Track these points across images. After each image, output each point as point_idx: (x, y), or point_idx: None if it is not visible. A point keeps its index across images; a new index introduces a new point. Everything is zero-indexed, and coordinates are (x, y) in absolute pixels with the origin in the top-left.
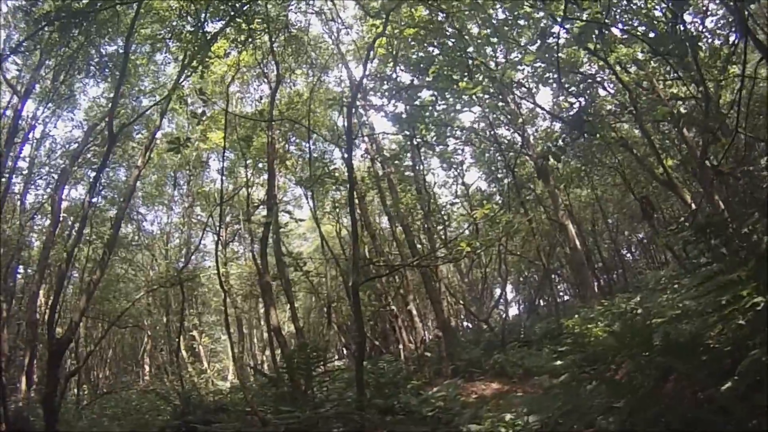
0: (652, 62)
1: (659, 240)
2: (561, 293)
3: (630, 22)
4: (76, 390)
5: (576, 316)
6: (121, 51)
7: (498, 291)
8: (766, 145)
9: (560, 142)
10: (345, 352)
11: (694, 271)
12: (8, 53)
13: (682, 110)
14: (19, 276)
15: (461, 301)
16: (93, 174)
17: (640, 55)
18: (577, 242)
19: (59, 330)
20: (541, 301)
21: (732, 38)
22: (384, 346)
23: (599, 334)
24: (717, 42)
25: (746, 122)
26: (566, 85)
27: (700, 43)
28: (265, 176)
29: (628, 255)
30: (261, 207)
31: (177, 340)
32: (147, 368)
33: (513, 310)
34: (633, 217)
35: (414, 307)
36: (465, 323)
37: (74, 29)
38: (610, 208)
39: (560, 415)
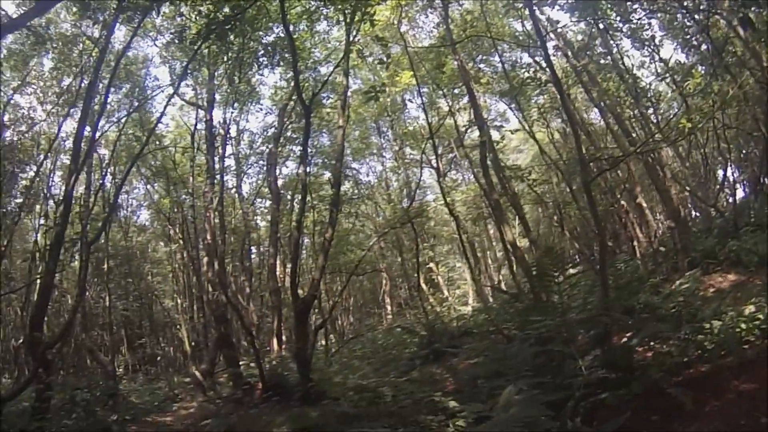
0: None
1: None
2: None
3: None
4: (324, 341)
5: None
6: (282, 36)
7: (721, 172)
8: None
9: None
10: (578, 258)
11: None
12: (179, 78)
13: None
14: (253, 255)
15: (688, 188)
16: (299, 149)
17: None
18: None
19: (301, 291)
20: (766, 180)
21: None
22: (617, 246)
23: None
24: None
25: None
26: None
27: None
28: (465, 100)
29: None
30: (470, 130)
31: (416, 275)
32: (388, 308)
33: (739, 192)
34: None
35: (643, 200)
36: (693, 212)
37: (229, 34)
38: None
39: None
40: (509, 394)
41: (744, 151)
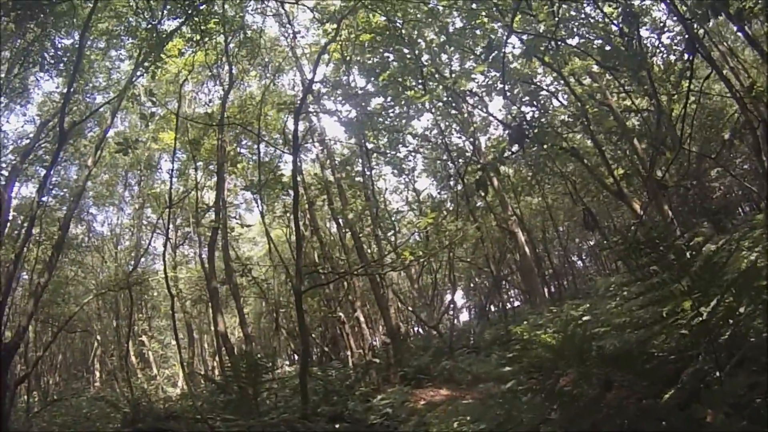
0: (606, 75)
1: (604, 250)
2: (511, 299)
3: (586, 36)
4: (26, 397)
5: (525, 322)
6: (76, 45)
7: (448, 297)
8: (715, 161)
9: (506, 152)
10: (296, 357)
11: (642, 279)
12: None
13: (635, 122)
14: None
15: (410, 308)
16: (44, 172)
17: (594, 68)
18: (527, 249)
19: (8, 334)
20: (491, 308)
21: (687, 55)
22: (334, 353)
23: (547, 341)
24: (672, 57)
25: (698, 135)
26: (519, 96)
27: (655, 58)
28: (216, 179)
29: (579, 262)
30: (211, 210)
31: (126, 345)
32: (97, 374)
33: (464, 317)
34: (583, 225)
35: (362, 313)
36: (416, 329)
37: (30, 21)
38: (561, 216)
39: (499, 424)
40: None
41: (476, 281)
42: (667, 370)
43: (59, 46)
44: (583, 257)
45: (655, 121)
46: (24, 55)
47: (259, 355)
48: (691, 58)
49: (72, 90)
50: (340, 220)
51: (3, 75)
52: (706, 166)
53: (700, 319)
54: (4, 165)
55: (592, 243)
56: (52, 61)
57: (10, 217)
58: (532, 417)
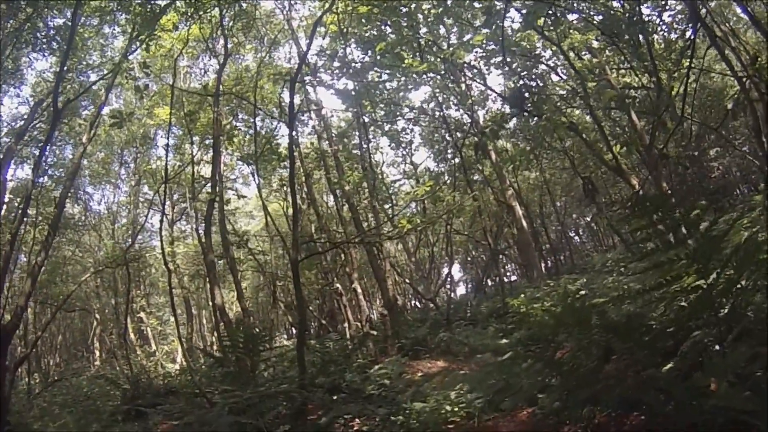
0: (606, 51)
1: (602, 220)
2: (508, 273)
3: (587, 10)
4: (26, 378)
5: (522, 295)
6: (69, 23)
7: (445, 270)
8: (717, 131)
9: (505, 118)
10: (293, 331)
11: (639, 255)
12: None
13: (635, 96)
14: None
15: (407, 280)
16: (38, 152)
17: (594, 43)
18: (524, 223)
19: (6, 317)
20: (488, 281)
21: (689, 33)
22: (331, 326)
23: (543, 314)
24: (673, 36)
25: (698, 114)
26: (517, 69)
27: (656, 36)
28: (212, 153)
29: (576, 237)
30: (207, 185)
31: (124, 322)
32: (97, 353)
33: (461, 290)
34: (581, 200)
35: (359, 285)
36: (413, 302)
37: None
38: (558, 191)
39: (498, 392)
40: None
41: (473, 254)
42: (666, 342)
43: (51, 25)
44: (580, 233)
45: (656, 96)
46: (16, 36)
47: (256, 329)
48: (693, 35)
49: (65, 68)
50: (338, 192)
51: None
52: (705, 145)
53: (700, 291)
54: None
55: (589, 219)
56: (45, 41)
57: (6, 200)
58: (531, 384)
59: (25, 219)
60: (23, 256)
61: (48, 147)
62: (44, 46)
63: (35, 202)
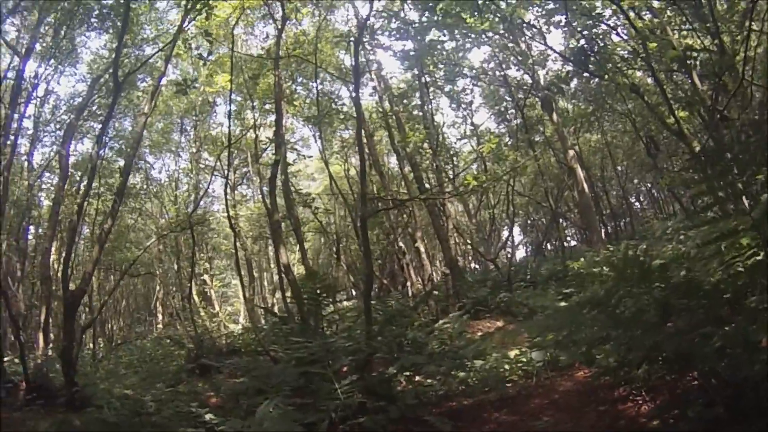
0: (668, 11)
1: (662, 182)
2: (568, 237)
3: None
4: (92, 343)
5: (582, 259)
6: (121, 1)
7: (506, 233)
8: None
9: (569, 74)
10: (354, 292)
11: (700, 222)
12: (6, 14)
13: (696, 58)
14: (30, 236)
15: (469, 241)
16: (99, 127)
17: (655, 3)
18: (586, 186)
19: (73, 284)
20: (548, 245)
21: None
22: (392, 285)
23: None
24: None
25: (762, 80)
26: (578, 29)
27: None
28: (273, 117)
29: (637, 204)
30: (269, 148)
31: (189, 285)
32: (160, 317)
33: (520, 253)
34: (642, 166)
35: (422, 245)
36: (473, 264)
37: None
38: (620, 155)
39: (557, 344)
40: (265, 409)
41: (534, 217)
42: (723, 306)
43: (104, 3)
44: (641, 199)
45: (719, 56)
46: (70, 18)
47: (319, 283)
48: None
49: (122, 43)
50: (400, 151)
51: (50, 39)
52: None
53: (757, 258)
54: (60, 126)
55: (650, 185)
56: (99, 20)
57: (69, 174)
58: (591, 335)
59: (89, 191)
60: (86, 228)
61: (110, 120)
62: (98, 25)
63: (98, 174)
